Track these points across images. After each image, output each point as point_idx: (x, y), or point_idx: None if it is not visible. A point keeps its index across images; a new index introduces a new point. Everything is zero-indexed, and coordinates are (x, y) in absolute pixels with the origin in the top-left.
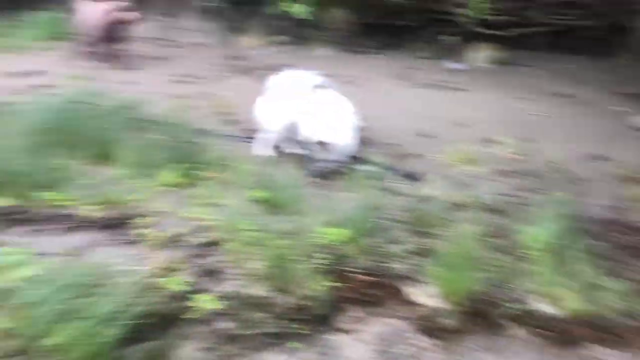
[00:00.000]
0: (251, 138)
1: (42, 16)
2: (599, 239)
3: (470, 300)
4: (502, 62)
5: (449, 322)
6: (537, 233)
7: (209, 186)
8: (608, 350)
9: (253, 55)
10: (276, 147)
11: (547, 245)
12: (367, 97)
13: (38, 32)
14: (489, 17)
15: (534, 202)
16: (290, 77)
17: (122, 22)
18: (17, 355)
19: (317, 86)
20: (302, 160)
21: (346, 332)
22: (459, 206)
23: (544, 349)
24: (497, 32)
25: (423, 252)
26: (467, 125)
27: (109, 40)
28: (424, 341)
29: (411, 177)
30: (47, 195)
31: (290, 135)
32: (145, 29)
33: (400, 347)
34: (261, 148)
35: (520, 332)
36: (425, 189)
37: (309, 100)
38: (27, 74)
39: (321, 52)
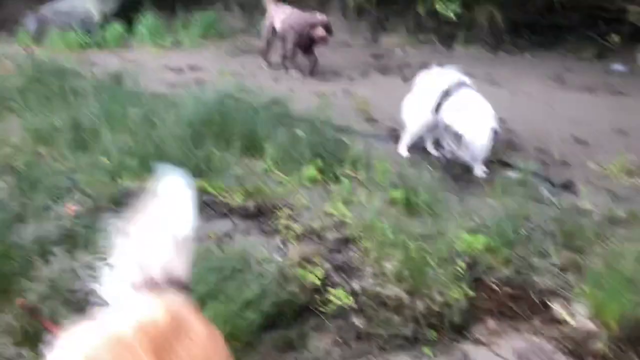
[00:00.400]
0: (391, 137)
1: (204, 15)
2: None
3: (625, 325)
4: None
5: (599, 346)
6: None
7: (349, 184)
8: None
9: (397, 54)
10: (422, 147)
11: None
12: (515, 100)
13: (198, 30)
14: None
15: None
16: (434, 75)
17: (322, 39)
18: None
19: (458, 84)
20: (443, 160)
21: (483, 344)
22: (616, 221)
23: None
24: None
25: (573, 268)
26: (628, 133)
27: (304, 49)
28: None
29: (562, 186)
30: (200, 183)
31: (433, 133)
32: None
33: None
34: (405, 147)
35: None
36: (577, 200)
37: (450, 98)
38: (187, 69)
39: (468, 51)
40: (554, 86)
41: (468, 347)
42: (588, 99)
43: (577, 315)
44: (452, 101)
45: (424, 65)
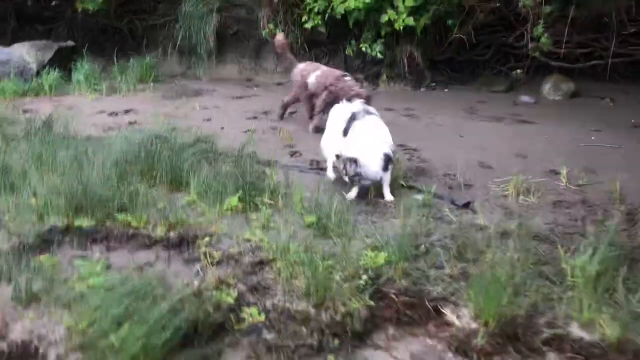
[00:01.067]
0: (312, 167)
1: (141, 61)
2: None
3: (505, 323)
4: (573, 94)
5: (482, 343)
6: (583, 262)
7: (267, 211)
8: None
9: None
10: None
11: (593, 274)
12: (429, 131)
13: (136, 75)
14: (561, 50)
15: (587, 232)
16: (343, 106)
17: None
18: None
19: (362, 111)
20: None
21: (383, 349)
22: (506, 234)
23: None
24: (569, 65)
25: (463, 277)
26: (530, 157)
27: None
28: None
29: (463, 205)
30: (125, 217)
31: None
32: (227, 72)
33: None
34: (332, 171)
35: (556, 357)
36: (475, 218)
37: (349, 128)
38: (122, 112)
39: (391, 88)
40: (465, 117)
41: (369, 353)
42: (495, 127)
43: (463, 317)
44: (354, 126)
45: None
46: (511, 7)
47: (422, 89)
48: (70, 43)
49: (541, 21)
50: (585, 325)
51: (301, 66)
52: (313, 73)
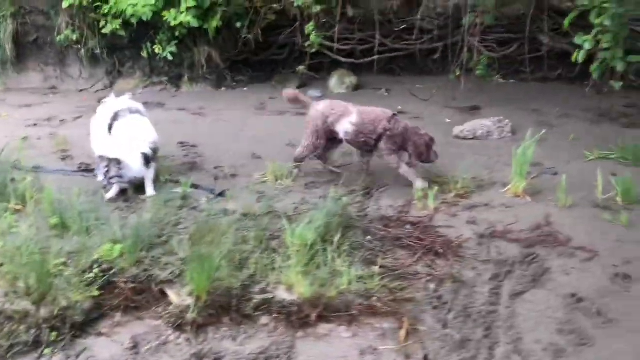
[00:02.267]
0: (80, 169)
1: None
2: (367, 233)
3: (219, 295)
4: (356, 87)
5: (196, 316)
6: (303, 232)
7: (11, 217)
8: (338, 327)
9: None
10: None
11: (308, 242)
12: (213, 127)
13: None
14: (345, 47)
15: (319, 206)
16: (110, 103)
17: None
18: None
19: (126, 110)
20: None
21: (105, 335)
22: (250, 216)
23: (284, 331)
24: (354, 60)
25: (191, 259)
26: (299, 145)
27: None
28: (173, 335)
29: (218, 194)
30: None
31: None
32: (29, 80)
33: (152, 343)
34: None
35: (265, 319)
36: (227, 204)
37: (113, 125)
38: None
39: (193, 90)
40: (253, 113)
41: (90, 341)
42: (277, 121)
43: (182, 296)
44: (117, 126)
45: (159, 105)
46: (292, 7)
47: (222, 89)
48: None
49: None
50: (289, 288)
51: (321, 107)
52: (345, 118)
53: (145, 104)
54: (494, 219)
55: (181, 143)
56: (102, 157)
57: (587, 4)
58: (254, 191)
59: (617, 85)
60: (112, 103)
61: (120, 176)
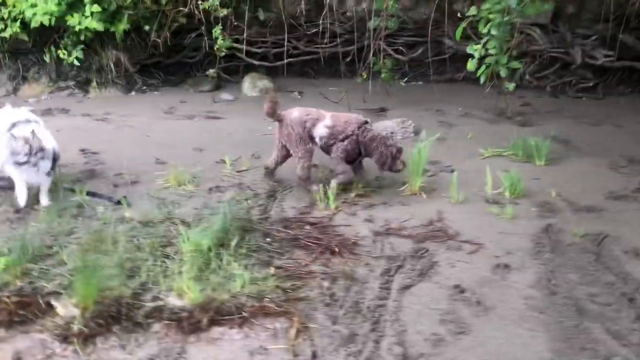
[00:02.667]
0: None
1: None
2: (267, 235)
3: (107, 304)
4: (268, 90)
5: (82, 327)
6: (197, 237)
7: None
8: (230, 330)
9: (31, 103)
10: None
11: (203, 246)
12: (117, 133)
13: None
14: (258, 50)
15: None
16: (5, 112)
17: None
18: None
19: (24, 120)
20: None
21: None
22: (146, 223)
23: (175, 337)
24: (268, 63)
25: (78, 269)
26: (207, 149)
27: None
28: (59, 348)
29: (116, 202)
30: None
31: None
32: None
33: (36, 356)
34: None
35: (157, 326)
36: (124, 212)
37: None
38: None
39: (102, 94)
40: (161, 117)
41: None
42: (186, 125)
43: (68, 307)
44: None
45: (64, 111)
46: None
47: (132, 93)
48: None
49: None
50: (180, 294)
51: (297, 114)
52: (320, 122)
53: (48, 110)
54: (390, 217)
55: (82, 150)
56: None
57: (476, 14)
58: (155, 197)
59: (511, 86)
60: (9, 112)
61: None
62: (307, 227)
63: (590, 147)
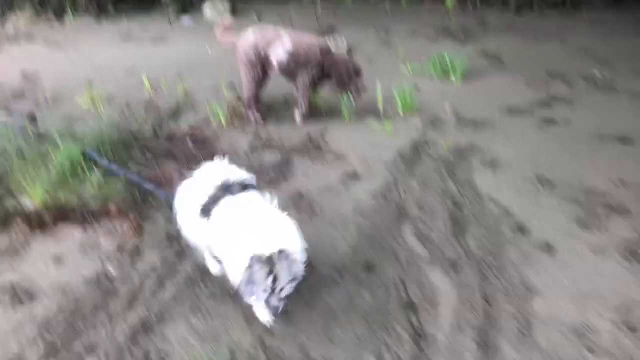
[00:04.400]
0: None
1: None
2: (145, 149)
3: None
4: (230, 13)
5: None
6: (71, 148)
7: None
8: (73, 228)
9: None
10: None
11: (73, 157)
12: (63, 59)
13: None
14: None
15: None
16: None
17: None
18: None
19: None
20: None
21: None
22: (40, 137)
23: (24, 232)
24: None
25: None
26: (137, 71)
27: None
28: None
29: (31, 118)
30: None
31: None
32: None
33: None
34: None
35: (13, 224)
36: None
37: None
38: None
39: (76, 22)
40: (116, 43)
41: None
42: (135, 50)
43: None
44: None
45: (29, 38)
46: None
47: (104, 22)
48: None
49: None
50: (32, 198)
51: (251, 38)
52: (279, 45)
53: (15, 36)
54: (276, 134)
55: (23, 73)
56: None
57: None
58: (67, 115)
59: (450, 2)
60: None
61: None
62: (189, 141)
63: (518, 63)
